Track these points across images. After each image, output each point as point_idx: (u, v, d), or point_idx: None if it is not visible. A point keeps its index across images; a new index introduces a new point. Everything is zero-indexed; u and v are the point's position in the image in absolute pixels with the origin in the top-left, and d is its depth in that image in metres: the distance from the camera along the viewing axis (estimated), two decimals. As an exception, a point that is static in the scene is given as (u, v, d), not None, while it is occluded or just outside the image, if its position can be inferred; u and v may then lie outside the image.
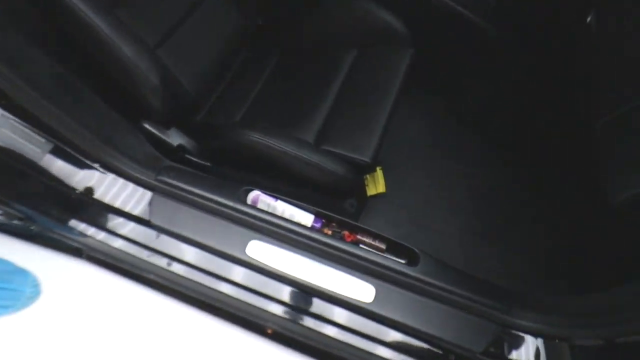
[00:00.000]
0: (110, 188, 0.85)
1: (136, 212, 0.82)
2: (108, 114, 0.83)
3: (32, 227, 0.89)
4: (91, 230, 0.85)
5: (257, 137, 0.83)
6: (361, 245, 0.77)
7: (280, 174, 0.91)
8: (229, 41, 1.05)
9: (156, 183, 0.82)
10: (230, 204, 0.78)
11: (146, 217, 0.79)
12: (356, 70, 1.07)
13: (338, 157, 0.91)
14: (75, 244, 0.87)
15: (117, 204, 0.83)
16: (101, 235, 0.84)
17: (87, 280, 0.93)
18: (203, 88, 1.00)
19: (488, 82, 1.32)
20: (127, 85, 0.78)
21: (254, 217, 0.77)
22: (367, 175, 1.23)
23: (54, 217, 0.83)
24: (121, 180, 0.85)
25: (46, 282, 0.94)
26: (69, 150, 0.79)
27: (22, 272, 0.94)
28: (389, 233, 0.76)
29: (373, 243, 0.78)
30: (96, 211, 0.82)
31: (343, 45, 1.10)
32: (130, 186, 0.85)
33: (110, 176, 0.83)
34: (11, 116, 0.72)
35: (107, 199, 0.83)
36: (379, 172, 1.24)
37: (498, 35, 1.13)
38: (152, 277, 0.84)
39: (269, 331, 0.82)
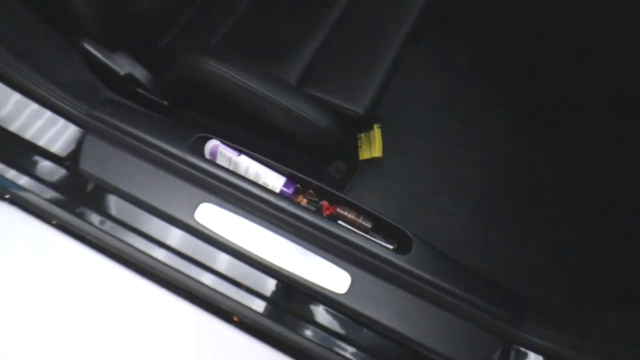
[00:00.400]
0: (34, 121, 0.67)
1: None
2: (30, 21, 0.63)
3: None
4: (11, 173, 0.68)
5: (213, 65, 0.64)
6: (340, 222, 0.60)
7: (248, 121, 0.72)
8: None
9: (88, 118, 0.64)
10: (178, 153, 0.61)
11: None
12: (359, 0, 0.85)
13: (324, 105, 0.72)
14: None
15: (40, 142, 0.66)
16: (23, 180, 0.68)
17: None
18: (167, 6, 0.79)
19: (526, 32, 1.09)
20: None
21: (207, 173, 0.60)
22: (362, 135, 1.04)
23: None
24: (48, 113, 0.67)
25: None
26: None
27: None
28: (379, 208, 0.60)
29: (356, 220, 0.62)
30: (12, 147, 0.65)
31: None
32: (61, 122, 0.67)
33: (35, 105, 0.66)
34: None
35: (27, 135, 0.66)
36: (377, 132, 1.04)
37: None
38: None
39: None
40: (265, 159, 0.64)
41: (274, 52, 0.79)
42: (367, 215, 0.61)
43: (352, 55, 0.79)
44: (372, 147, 1.04)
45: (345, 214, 0.62)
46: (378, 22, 0.82)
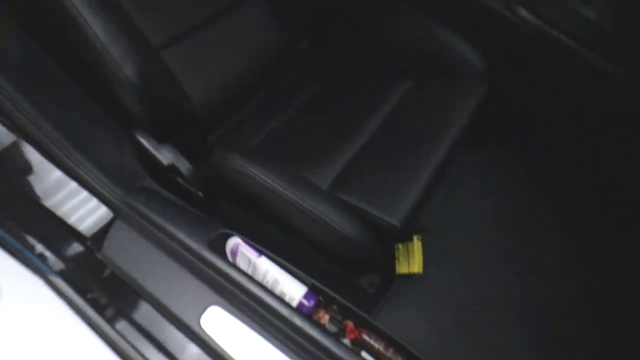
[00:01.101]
0: (70, 199, 0.69)
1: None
2: (89, 111, 0.69)
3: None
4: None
5: (242, 165, 0.63)
6: (364, 354, 0.51)
7: (275, 221, 0.69)
8: (263, 59, 0.90)
9: (121, 205, 0.65)
10: (196, 248, 0.58)
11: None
12: (407, 104, 0.86)
13: (355, 213, 0.67)
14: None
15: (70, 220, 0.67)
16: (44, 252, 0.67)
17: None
18: (217, 106, 0.85)
19: (591, 138, 1.01)
20: (100, 77, 0.64)
21: (221, 273, 0.56)
22: (400, 245, 0.95)
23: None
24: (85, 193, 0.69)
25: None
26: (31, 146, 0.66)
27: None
28: (415, 335, 0.50)
29: (385, 353, 0.52)
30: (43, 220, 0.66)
31: (396, 74, 0.90)
32: (94, 202, 0.69)
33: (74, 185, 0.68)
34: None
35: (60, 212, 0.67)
36: (417, 244, 0.96)
37: (620, 75, 0.85)
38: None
39: None
40: (286, 264, 0.59)
41: (311, 155, 0.79)
42: (399, 348, 0.51)
43: (392, 162, 0.76)
44: (411, 261, 0.95)
45: (372, 343, 0.52)
46: (422, 129, 0.81)
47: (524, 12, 0.86)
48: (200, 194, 0.81)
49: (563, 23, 0.85)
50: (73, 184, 0.66)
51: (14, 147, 0.67)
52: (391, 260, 0.95)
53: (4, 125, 0.65)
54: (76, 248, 0.68)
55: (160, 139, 0.80)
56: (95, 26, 0.57)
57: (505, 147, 1.14)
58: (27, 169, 0.65)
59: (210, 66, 0.81)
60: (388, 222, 0.68)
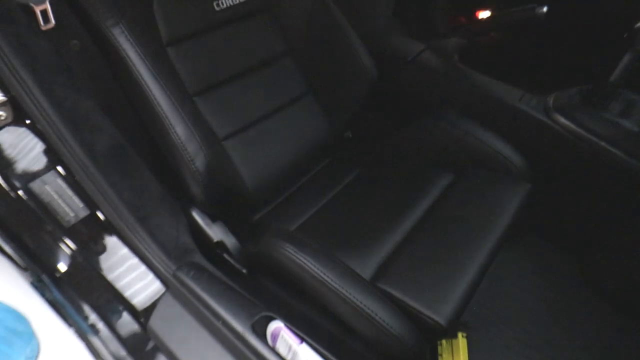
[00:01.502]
0: (129, 273, 0.74)
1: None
2: (155, 191, 0.76)
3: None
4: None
5: (290, 253, 0.66)
6: None
7: (319, 307, 0.69)
8: (310, 148, 0.98)
9: (172, 278, 0.68)
10: (239, 330, 0.59)
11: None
12: (449, 198, 0.87)
13: (399, 307, 0.65)
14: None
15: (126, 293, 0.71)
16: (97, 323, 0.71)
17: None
18: (267, 189, 0.91)
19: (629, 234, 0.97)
20: (174, 166, 0.72)
21: (262, 358, 0.55)
22: (444, 341, 0.90)
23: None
24: (143, 268, 0.74)
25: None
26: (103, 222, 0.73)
27: (26, 335, 0.82)
28: None
29: None
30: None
31: (437, 167, 0.93)
32: (150, 277, 0.73)
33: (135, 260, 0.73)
34: (60, 176, 0.70)
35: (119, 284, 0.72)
36: (462, 342, 0.90)
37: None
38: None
39: None
40: (328, 354, 0.57)
41: (354, 243, 0.80)
42: None
43: (436, 257, 0.75)
44: (455, 358, 0.89)
45: None
46: (468, 225, 0.80)
47: (562, 119, 0.89)
48: (244, 271, 0.84)
49: (602, 131, 0.86)
50: (133, 260, 0.71)
51: (87, 220, 0.74)
52: (433, 355, 0.89)
53: (82, 200, 0.73)
54: (126, 320, 0.70)
55: (212, 217, 0.86)
56: (178, 126, 0.66)
57: (546, 240, 1.11)
58: (99, 243, 0.71)
59: (263, 154, 0.89)
60: (434, 320, 0.66)
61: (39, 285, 0.78)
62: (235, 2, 0.82)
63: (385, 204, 0.88)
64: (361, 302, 0.61)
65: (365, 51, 0.91)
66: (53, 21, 0.58)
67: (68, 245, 0.73)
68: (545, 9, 0.81)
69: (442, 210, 0.84)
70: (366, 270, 0.74)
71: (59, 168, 0.70)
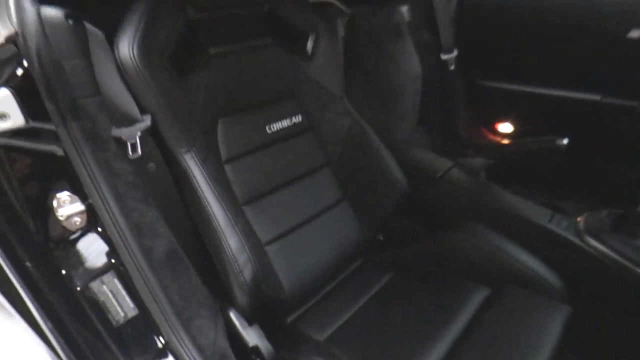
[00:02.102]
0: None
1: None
2: (200, 293, 0.80)
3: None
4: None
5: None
6: None
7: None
8: (343, 250, 1.01)
9: None
10: None
11: None
12: (486, 319, 0.84)
13: None
14: None
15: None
16: None
17: None
18: (302, 291, 0.93)
19: None
20: (222, 274, 0.77)
21: None
22: None
23: None
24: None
25: None
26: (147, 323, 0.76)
27: None
28: None
29: None
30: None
31: (470, 280, 0.93)
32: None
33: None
34: (117, 276, 0.76)
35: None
36: None
37: None
38: None
39: None
40: None
41: (388, 355, 0.78)
42: None
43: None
44: None
45: None
46: (507, 350, 0.77)
47: (595, 243, 0.90)
48: (276, 381, 0.83)
49: (635, 256, 0.86)
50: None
51: (134, 320, 0.77)
52: None
53: (133, 300, 0.77)
54: None
55: (249, 320, 0.88)
56: (231, 239, 0.73)
57: None
58: (142, 345, 0.74)
59: (300, 257, 0.92)
60: None
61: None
62: (284, 126, 0.93)
63: (419, 318, 0.87)
64: None
65: (396, 166, 0.99)
66: (139, 152, 0.68)
67: (114, 345, 0.75)
68: (565, 141, 0.86)
69: (479, 333, 0.81)
70: None
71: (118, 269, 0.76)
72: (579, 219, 0.95)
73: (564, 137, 0.87)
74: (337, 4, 1.23)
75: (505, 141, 1.53)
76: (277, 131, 0.92)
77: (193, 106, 0.76)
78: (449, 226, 0.98)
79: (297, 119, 0.96)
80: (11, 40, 0.61)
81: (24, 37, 0.57)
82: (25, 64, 0.61)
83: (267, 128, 0.91)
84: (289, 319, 0.96)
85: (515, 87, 1.39)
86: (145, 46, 0.67)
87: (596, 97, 1.24)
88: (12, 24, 0.63)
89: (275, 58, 0.91)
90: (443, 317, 0.85)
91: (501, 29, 1.38)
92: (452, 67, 1.46)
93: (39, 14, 0.57)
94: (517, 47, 1.37)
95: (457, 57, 1.46)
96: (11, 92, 0.61)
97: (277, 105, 0.93)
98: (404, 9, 1.38)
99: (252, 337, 0.84)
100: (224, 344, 0.79)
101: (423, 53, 1.46)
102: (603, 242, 0.88)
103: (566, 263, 0.92)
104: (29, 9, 0.57)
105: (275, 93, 0.93)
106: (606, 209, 0.95)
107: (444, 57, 1.45)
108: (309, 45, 0.94)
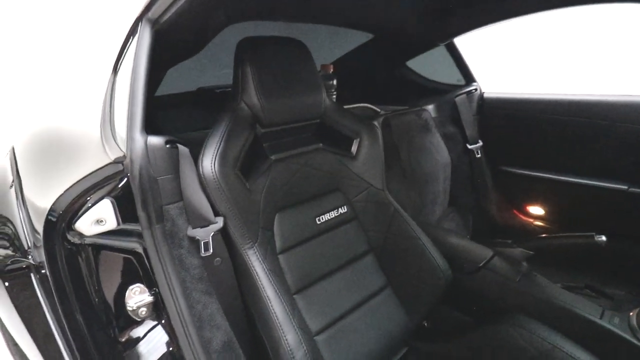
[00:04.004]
0: None
1: None
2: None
3: None
4: None
5: None
6: None
7: None
8: (389, 337, 0.96)
9: None
10: None
11: None
12: None
13: None
14: None
15: None
16: None
17: None
18: None
19: None
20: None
21: None
22: None
23: None
24: None
25: None
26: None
27: None
28: None
29: None
30: None
31: None
32: None
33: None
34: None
35: None
36: None
37: None
38: None
39: None
40: None
41: None
42: None
43: None
44: None
45: None
46: None
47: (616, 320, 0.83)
48: None
49: None
50: None
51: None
52: None
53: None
54: None
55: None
56: (289, 335, 0.72)
57: None
58: None
59: (347, 346, 0.88)
60: None
61: None
62: (331, 217, 0.96)
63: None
64: None
65: (437, 252, 0.97)
66: (211, 250, 0.72)
67: None
68: (604, 238, 0.83)
69: None
70: None
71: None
72: (631, 313, 0.88)
73: (602, 234, 0.84)
74: (373, 107, 1.34)
75: (538, 222, 1.49)
76: (326, 221, 0.95)
77: (257, 206, 0.81)
78: (497, 318, 0.92)
79: (343, 209, 0.99)
80: (119, 160, 0.69)
81: (131, 159, 0.65)
82: (126, 179, 0.68)
83: (317, 219, 0.94)
84: None
85: (538, 174, 1.40)
86: (223, 160, 0.75)
87: (623, 187, 1.22)
88: (120, 148, 0.72)
89: (324, 159, 0.97)
90: None
91: (519, 124, 1.43)
92: (478, 156, 1.50)
93: (145, 142, 0.65)
94: (537, 139, 1.40)
95: (482, 146, 1.51)
96: (111, 201, 0.68)
97: (325, 198, 0.97)
98: (430, 107, 1.48)
99: None
100: None
101: (450, 143, 1.52)
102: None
103: (592, 342, 0.83)
104: (139, 138, 0.66)
105: (324, 188, 0.97)
106: None
107: (470, 147, 1.50)
108: (354, 148, 1.00)
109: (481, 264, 1.01)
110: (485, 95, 1.55)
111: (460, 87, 1.56)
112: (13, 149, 1.02)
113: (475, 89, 1.54)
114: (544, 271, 1.05)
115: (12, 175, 0.91)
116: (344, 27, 1.33)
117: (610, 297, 1.08)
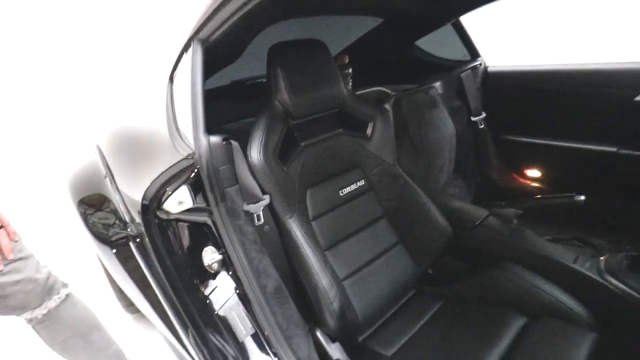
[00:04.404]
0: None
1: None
2: (296, 317, 1.01)
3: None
4: None
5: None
6: None
7: None
8: (401, 283, 1.19)
9: None
10: None
11: None
12: (525, 340, 0.98)
13: None
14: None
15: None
16: None
17: None
18: (371, 316, 1.11)
19: None
20: (315, 304, 0.98)
21: None
22: None
23: None
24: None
25: None
26: (261, 339, 0.98)
27: None
28: None
29: None
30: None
31: (510, 310, 1.07)
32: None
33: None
34: (241, 306, 0.99)
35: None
36: None
37: None
38: None
39: None
40: None
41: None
42: None
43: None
44: None
45: None
46: None
47: (614, 281, 1.01)
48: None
49: None
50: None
51: (253, 336, 0.99)
52: None
53: (252, 321, 0.99)
54: None
55: (332, 338, 1.07)
56: (323, 279, 0.95)
57: None
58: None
59: (368, 289, 1.12)
60: None
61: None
62: (351, 189, 1.16)
63: (467, 341, 1.02)
64: None
65: (441, 215, 1.17)
66: (262, 220, 0.94)
67: (238, 352, 0.98)
68: (583, 197, 0.98)
69: (520, 352, 0.94)
70: None
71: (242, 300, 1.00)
72: (601, 258, 1.06)
73: (581, 194, 0.99)
74: (385, 90, 1.48)
75: (535, 184, 1.64)
76: (347, 193, 1.15)
77: (293, 185, 1.02)
78: (489, 265, 1.12)
79: (361, 183, 1.19)
80: (190, 156, 0.90)
81: (199, 154, 0.86)
82: (196, 170, 0.89)
83: (339, 192, 1.14)
84: (360, 338, 1.14)
85: (536, 140, 1.53)
86: (265, 150, 0.95)
87: (613, 149, 1.34)
88: (189, 147, 0.93)
89: (345, 142, 1.15)
90: (487, 341, 0.99)
91: (521, 94, 1.54)
92: (481, 126, 1.63)
93: (208, 141, 0.86)
94: (536, 108, 1.51)
95: (485, 118, 1.63)
96: (187, 187, 0.90)
97: (347, 175, 1.17)
98: (437, 84, 1.60)
99: (335, 352, 1.03)
100: (315, 356, 0.99)
101: (456, 116, 1.65)
102: (621, 280, 0.98)
103: (591, 297, 1.02)
104: (203, 139, 0.86)
105: (345, 166, 1.16)
106: (624, 251, 1.04)
107: (474, 119, 1.63)
108: (369, 130, 1.18)
109: (477, 222, 1.19)
110: (489, 69, 1.65)
111: (466, 62, 1.66)
112: (98, 146, 1.25)
113: (480, 64, 1.64)
114: (537, 227, 1.22)
115: (104, 168, 1.15)
116: (356, 14, 1.44)
117: (594, 246, 1.26)
